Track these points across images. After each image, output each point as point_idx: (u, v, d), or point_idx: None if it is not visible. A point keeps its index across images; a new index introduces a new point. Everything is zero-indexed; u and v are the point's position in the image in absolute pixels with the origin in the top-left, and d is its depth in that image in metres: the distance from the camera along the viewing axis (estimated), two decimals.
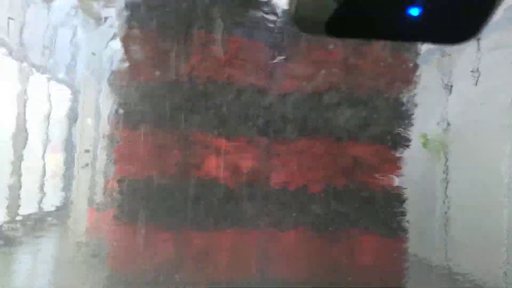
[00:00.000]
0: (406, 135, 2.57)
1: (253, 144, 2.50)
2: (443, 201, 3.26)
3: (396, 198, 2.54)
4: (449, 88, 2.90)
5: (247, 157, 2.47)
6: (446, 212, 3.24)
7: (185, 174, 2.42)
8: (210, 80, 2.43)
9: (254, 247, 2.55)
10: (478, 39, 2.84)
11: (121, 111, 2.37)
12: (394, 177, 2.59)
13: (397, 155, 2.58)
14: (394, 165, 2.54)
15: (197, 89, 2.39)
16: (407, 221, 2.56)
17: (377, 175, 2.53)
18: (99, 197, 2.68)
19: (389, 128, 2.53)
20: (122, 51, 2.35)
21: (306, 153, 2.53)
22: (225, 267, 2.47)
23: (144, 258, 2.30)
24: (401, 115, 2.54)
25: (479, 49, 2.78)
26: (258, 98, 2.48)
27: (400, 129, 2.55)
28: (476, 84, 2.75)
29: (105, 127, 2.89)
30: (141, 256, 2.30)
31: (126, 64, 2.34)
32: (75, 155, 3.15)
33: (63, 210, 2.92)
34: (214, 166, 2.45)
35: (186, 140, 2.44)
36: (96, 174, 3.02)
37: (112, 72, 2.62)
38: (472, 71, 2.76)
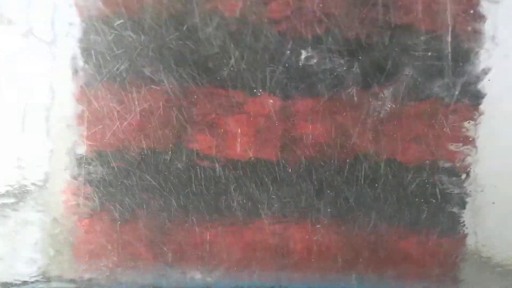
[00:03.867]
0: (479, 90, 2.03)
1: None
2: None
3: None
4: (493, 40, 2.50)
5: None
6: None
7: (179, 147, 1.95)
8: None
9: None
10: None
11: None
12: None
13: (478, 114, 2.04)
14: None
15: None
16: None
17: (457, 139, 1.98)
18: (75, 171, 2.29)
19: (464, 80, 2.00)
20: None
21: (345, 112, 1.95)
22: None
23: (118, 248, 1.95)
24: (471, 66, 2.01)
25: None
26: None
27: (473, 84, 2.03)
28: None
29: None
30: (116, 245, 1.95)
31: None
32: (52, 119, 2.73)
33: (42, 184, 2.54)
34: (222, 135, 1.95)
35: (186, 99, 1.94)
36: (75, 143, 2.62)
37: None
38: None
